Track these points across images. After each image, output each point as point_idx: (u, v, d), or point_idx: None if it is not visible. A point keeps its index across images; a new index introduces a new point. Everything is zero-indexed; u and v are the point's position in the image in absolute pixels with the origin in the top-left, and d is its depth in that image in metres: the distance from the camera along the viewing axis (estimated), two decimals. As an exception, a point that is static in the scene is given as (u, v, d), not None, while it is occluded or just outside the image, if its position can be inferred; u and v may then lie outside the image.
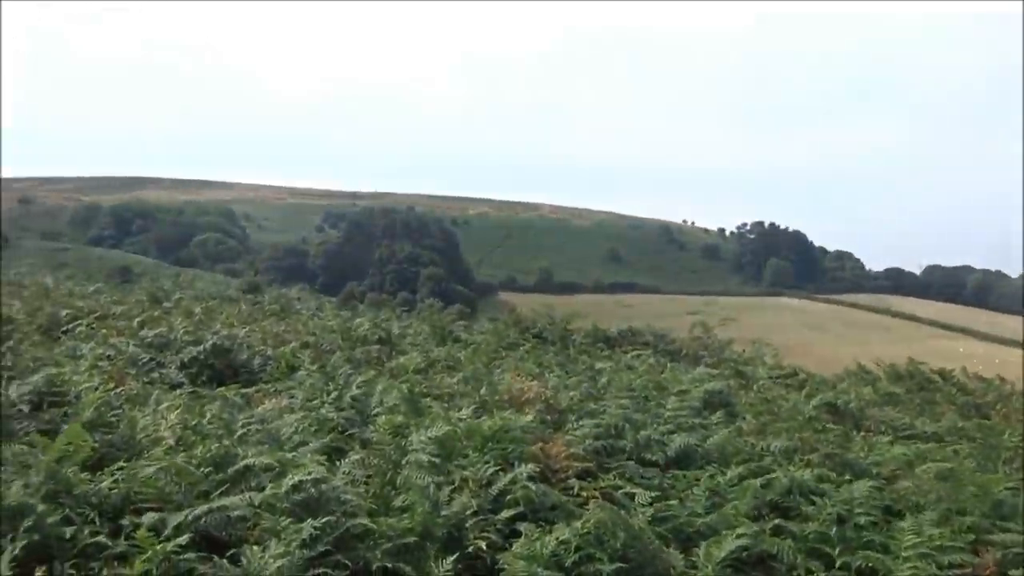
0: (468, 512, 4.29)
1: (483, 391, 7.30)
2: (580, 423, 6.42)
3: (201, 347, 8.34)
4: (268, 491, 4.09)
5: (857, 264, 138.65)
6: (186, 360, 8.09)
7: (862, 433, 7.91)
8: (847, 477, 5.64)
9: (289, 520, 3.81)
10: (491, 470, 4.86)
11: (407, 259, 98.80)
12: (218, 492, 4.14)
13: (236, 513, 3.89)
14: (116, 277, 36.43)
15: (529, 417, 6.11)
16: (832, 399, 9.24)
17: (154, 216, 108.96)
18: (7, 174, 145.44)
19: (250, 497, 4.02)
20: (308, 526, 3.71)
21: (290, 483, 4.07)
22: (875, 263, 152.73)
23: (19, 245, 63.18)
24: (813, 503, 5.04)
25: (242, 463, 4.39)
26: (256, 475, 4.38)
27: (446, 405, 6.85)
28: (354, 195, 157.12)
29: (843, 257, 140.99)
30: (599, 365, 11.11)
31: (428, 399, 7.03)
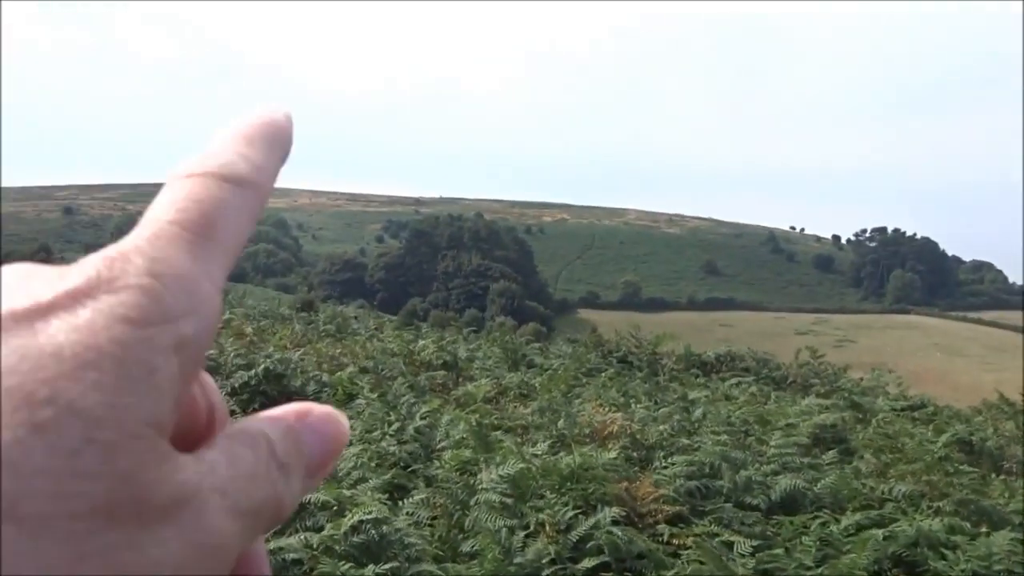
0: (544, 560, 4.32)
1: (561, 423, 7.34)
2: (671, 461, 6.39)
3: (253, 371, 8.57)
4: (326, 532, 4.20)
5: (999, 277, 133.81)
6: (237, 386, 8.33)
7: (1002, 476, 7.64)
8: (984, 528, 5.46)
9: (349, 565, 3.91)
10: (570, 513, 4.90)
11: (475, 272, 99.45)
12: (272, 532, 4.26)
13: (292, 556, 4.01)
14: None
15: (613, 453, 6.12)
16: (967, 435, 8.96)
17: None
18: (50, 181, 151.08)
19: (306, 538, 4.13)
20: (371, 572, 3.80)
21: (349, 523, 4.17)
22: (1021, 276, 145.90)
23: (63, 258, 65.62)
24: (944, 558, 4.91)
25: (297, 500, 4.49)
26: (312, 514, 4.50)
27: (519, 439, 6.91)
28: (418, 201, 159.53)
29: (982, 268, 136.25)
30: (693, 394, 11.02)
31: (499, 432, 7.10)
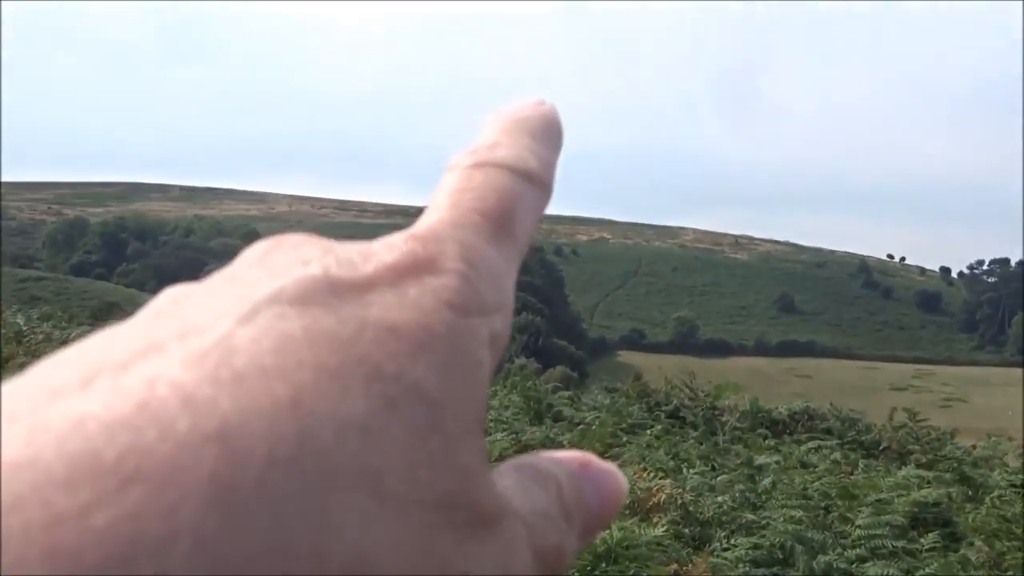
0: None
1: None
2: (732, 541, 6.39)
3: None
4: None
5: None
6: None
7: None
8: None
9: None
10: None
11: None
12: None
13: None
14: (105, 317, 37.65)
15: (660, 529, 6.13)
16: (1105, 521, 8.86)
17: (155, 236, 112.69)
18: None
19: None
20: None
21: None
22: None
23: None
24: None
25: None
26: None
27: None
28: (421, 211, 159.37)
29: None
30: (760, 459, 10.99)
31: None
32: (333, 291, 0.29)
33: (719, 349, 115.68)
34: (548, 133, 0.38)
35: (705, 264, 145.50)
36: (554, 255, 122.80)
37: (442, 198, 0.34)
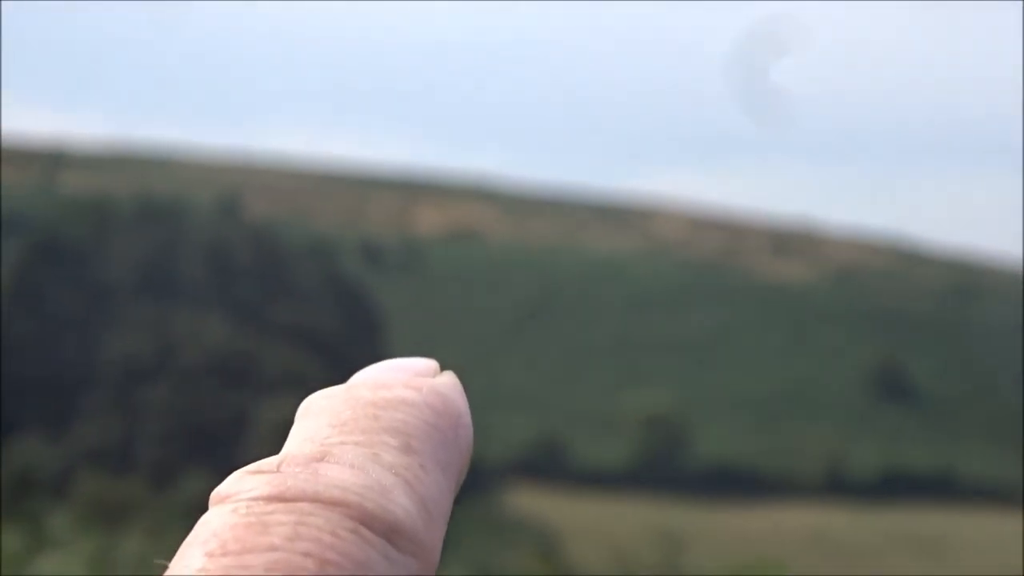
0: None
1: None
2: None
3: None
4: None
5: None
6: None
7: None
8: None
9: None
10: None
11: (216, 358, 65.04)
12: None
13: None
14: None
15: None
16: None
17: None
18: None
19: None
20: None
21: None
22: None
23: None
24: None
25: None
26: None
27: None
28: (59, 157, 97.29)
29: None
30: None
31: None
32: None
33: (739, 484, 66.74)
34: (434, 437, 0.32)
35: (702, 284, 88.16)
36: (366, 261, 79.45)
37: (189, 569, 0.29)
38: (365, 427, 0.32)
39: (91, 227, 70.03)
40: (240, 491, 0.34)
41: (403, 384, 0.40)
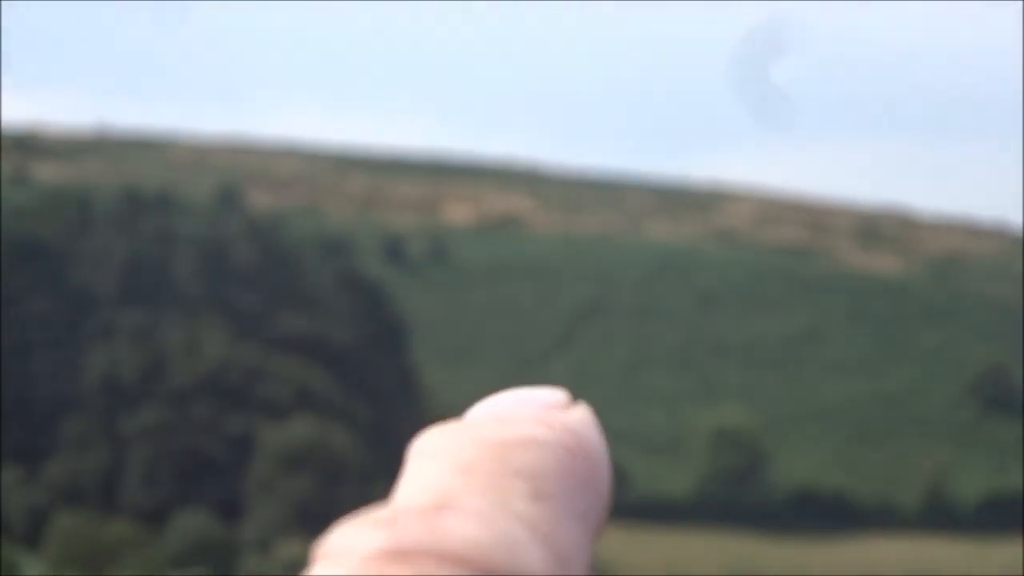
0: None
1: None
2: None
3: None
4: None
5: None
6: None
7: None
8: None
9: None
10: None
11: (206, 380, 59.09)
12: None
13: None
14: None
15: None
16: None
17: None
18: None
19: None
20: None
21: None
22: None
23: None
24: None
25: None
26: None
27: None
28: (27, 142, 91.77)
29: None
30: None
31: None
32: None
33: (825, 513, 64.62)
34: (570, 482, 0.32)
35: (780, 279, 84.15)
36: (387, 257, 75.61)
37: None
38: (490, 470, 0.30)
39: (70, 224, 64.49)
40: (352, 546, 0.30)
41: (531, 420, 0.35)
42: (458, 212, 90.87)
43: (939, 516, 65.50)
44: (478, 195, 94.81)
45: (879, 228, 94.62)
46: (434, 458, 0.34)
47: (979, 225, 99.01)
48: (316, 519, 44.45)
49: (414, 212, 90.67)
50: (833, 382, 74.79)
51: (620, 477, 65.43)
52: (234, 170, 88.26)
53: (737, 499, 63.59)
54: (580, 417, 0.37)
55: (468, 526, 0.29)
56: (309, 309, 61.87)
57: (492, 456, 0.34)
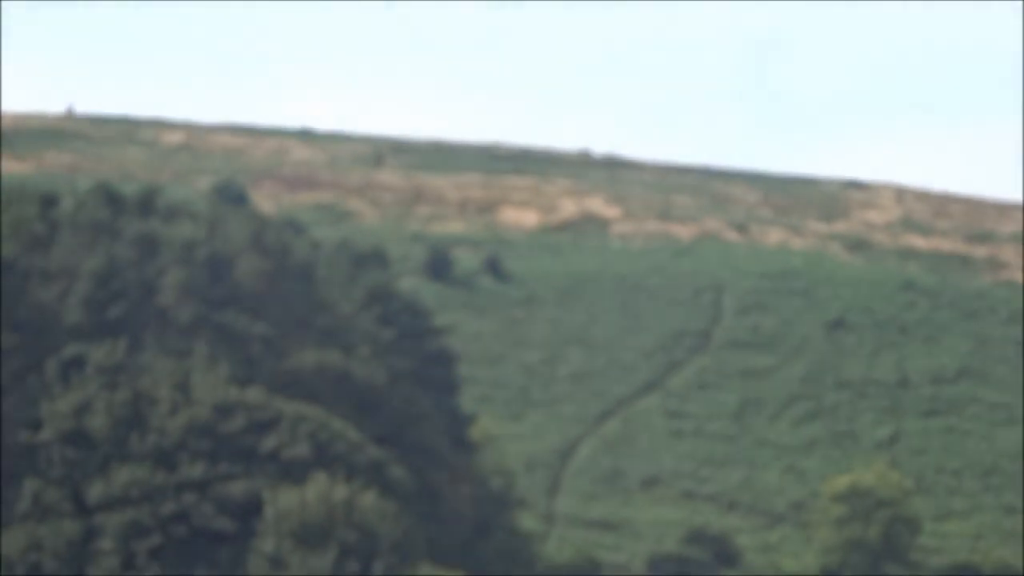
0: None
1: None
2: None
3: None
4: None
5: None
6: None
7: None
8: None
9: None
10: None
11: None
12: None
13: None
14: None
15: None
16: None
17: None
18: None
19: None
20: None
21: None
22: None
23: None
24: None
25: None
26: None
27: None
28: None
29: None
30: None
31: None
32: None
33: None
34: None
35: (940, 299, 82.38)
36: (426, 269, 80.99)
37: None
38: None
39: (27, 230, 54.55)
40: None
41: None
42: (518, 216, 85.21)
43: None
44: (544, 194, 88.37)
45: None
46: None
47: None
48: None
49: (463, 215, 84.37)
50: (998, 430, 66.45)
51: (729, 554, 58.39)
52: (238, 163, 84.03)
53: (875, 577, 58.72)
54: None
55: None
56: (331, 338, 53.27)
57: None
